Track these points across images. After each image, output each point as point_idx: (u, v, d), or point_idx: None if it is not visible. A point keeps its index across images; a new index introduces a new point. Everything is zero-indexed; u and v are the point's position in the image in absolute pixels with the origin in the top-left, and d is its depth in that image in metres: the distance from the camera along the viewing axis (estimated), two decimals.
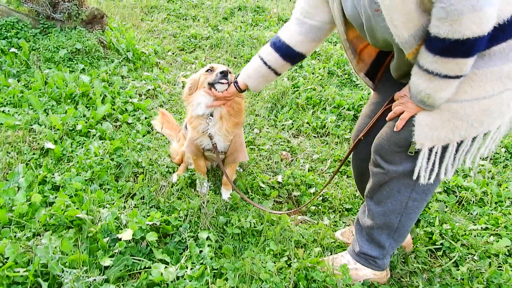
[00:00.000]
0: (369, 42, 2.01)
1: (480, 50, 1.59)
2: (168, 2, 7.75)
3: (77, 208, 2.41)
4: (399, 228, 2.20)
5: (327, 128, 4.18)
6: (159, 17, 6.90)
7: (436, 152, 1.88)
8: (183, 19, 7.05)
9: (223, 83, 2.56)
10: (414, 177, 1.96)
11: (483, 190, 3.29)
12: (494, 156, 3.88)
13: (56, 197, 2.58)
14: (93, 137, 3.37)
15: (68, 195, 2.58)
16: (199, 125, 2.73)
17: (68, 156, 3.11)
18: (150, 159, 3.18)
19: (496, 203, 3.20)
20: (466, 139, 1.82)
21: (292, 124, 4.24)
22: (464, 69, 1.60)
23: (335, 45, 6.49)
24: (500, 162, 3.79)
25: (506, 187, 3.34)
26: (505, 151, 3.93)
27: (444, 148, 1.87)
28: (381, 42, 1.92)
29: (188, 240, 2.46)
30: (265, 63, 2.38)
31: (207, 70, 2.71)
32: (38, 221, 2.36)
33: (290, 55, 2.32)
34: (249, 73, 2.46)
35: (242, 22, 7.11)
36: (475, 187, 3.29)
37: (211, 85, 2.61)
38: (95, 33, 4.96)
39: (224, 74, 2.55)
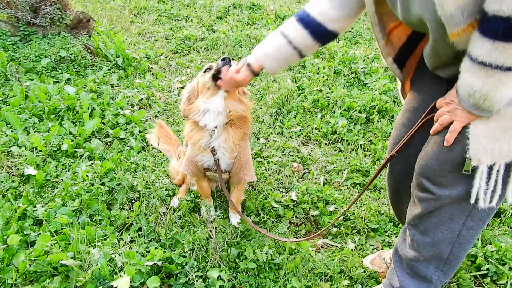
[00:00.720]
0: (400, 17, 1.60)
1: None
2: (158, 2, 7.34)
3: (62, 250, 2.02)
4: (450, 259, 1.83)
5: (339, 134, 3.81)
6: (150, 18, 6.50)
7: (498, 170, 1.51)
8: (175, 20, 6.65)
9: None
10: (472, 201, 1.59)
11: None
12: None
13: (38, 234, 2.20)
14: (80, 158, 2.98)
15: (52, 232, 2.19)
16: (200, 138, 2.34)
17: (53, 182, 2.72)
18: (147, 181, 2.80)
19: None
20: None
21: (300, 130, 3.87)
22: None
23: (338, 41, 6.11)
24: None
25: None
26: None
27: (509, 166, 1.50)
28: (415, 19, 1.51)
29: (196, 280, 2.09)
30: (289, 41, 1.94)
31: (205, 70, 2.34)
32: (16, 269, 1.97)
33: (321, 34, 1.90)
34: (267, 53, 1.99)
35: (237, 21, 6.72)
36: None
37: (215, 77, 2.21)
38: (81, 39, 4.56)
39: (226, 61, 2.16)
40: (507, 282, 2.28)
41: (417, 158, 1.76)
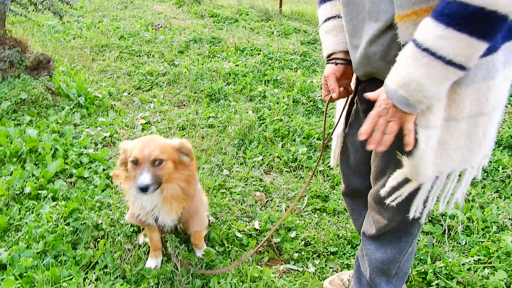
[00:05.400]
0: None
1: (495, 37, 1.18)
2: (119, 39, 7.46)
3: None
4: (398, 273, 2.02)
5: (299, 161, 3.98)
6: (111, 55, 6.59)
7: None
8: (137, 56, 6.78)
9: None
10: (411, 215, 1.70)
11: (467, 216, 3.16)
12: None
13: (2, 279, 2.21)
14: (44, 200, 3.00)
15: (16, 276, 2.21)
16: (139, 209, 2.30)
17: (16, 226, 2.73)
18: (112, 219, 2.85)
19: (483, 229, 3.06)
20: (441, 173, 1.55)
21: (263, 159, 4.02)
22: (472, 57, 1.18)
23: (296, 71, 6.39)
24: (478, 183, 3.70)
25: (490, 211, 3.22)
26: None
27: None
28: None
29: None
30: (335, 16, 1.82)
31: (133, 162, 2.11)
32: None
33: None
34: (336, 40, 1.81)
35: (198, 55, 6.92)
36: (459, 214, 3.15)
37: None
38: (41, 80, 4.60)
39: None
40: None
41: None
